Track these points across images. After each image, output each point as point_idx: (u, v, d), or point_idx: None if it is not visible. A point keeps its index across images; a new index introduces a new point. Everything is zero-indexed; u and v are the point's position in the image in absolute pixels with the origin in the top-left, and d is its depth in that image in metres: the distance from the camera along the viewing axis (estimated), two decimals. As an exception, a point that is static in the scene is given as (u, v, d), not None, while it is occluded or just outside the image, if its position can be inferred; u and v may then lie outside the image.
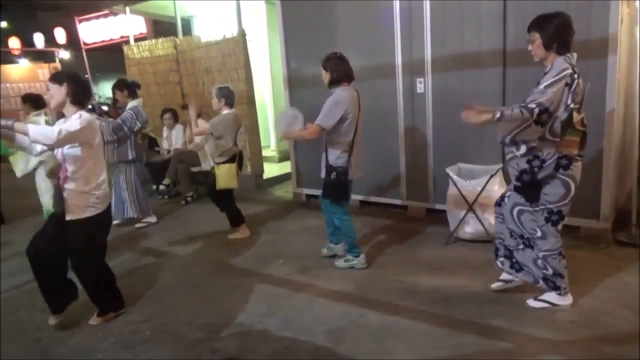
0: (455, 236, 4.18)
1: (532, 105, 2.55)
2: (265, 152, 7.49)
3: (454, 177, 4.04)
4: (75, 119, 2.86)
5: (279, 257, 4.20)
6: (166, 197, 6.80)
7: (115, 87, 5.29)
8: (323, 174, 3.69)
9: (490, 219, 3.93)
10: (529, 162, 2.71)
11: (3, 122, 2.70)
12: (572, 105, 2.61)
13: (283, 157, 8.08)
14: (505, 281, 3.21)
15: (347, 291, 3.45)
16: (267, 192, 6.72)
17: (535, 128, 2.59)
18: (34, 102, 5.56)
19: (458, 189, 4.01)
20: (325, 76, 3.60)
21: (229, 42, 6.53)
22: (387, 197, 5.27)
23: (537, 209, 2.86)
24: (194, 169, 6.47)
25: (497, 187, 3.89)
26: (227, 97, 4.53)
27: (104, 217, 3.08)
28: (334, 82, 3.58)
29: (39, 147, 3.04)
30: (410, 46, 4.71)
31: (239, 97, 6.50)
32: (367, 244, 4.34)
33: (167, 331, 3.07)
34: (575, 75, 2.60)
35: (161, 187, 6.68)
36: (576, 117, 2.65)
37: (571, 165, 2.71)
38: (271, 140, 8.63)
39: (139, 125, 5.08)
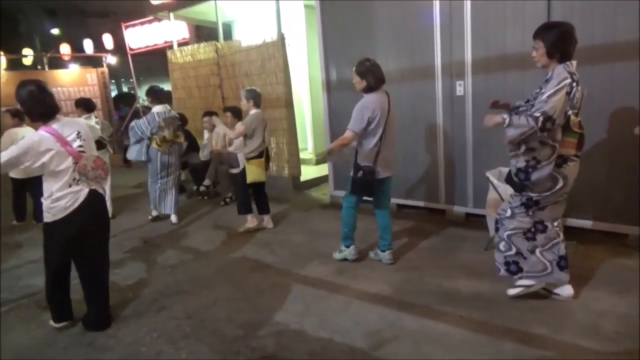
0: (495, 241, 4.09)
1: (537, 114, 2.71)
2: (302, 155, 7.54)
3: (495, 181, 3.96)
4: (19, 144, 2.83)
5: (316, 257, 4.24)
6: (206, 197, 6.97)
7: (145, 93, 5.92)
8: (351, 172, 3.82)
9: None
10: (526, 161, 2.89)
11: None
12: (569, 112, 2.78)
13: (320, 160, 8.12)
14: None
15: (384, 294, 3.44)
16: (304, 194, 6.77)
17: (540, 135, 2.75)
18: (85, 105, 5.90)
19: (499, 193, 3.92)
20: (360, 83, 3.69)
21: (269, 46, 6.63)
22: (425, 200, 5.22)
23: (518, 193, 3.05)
24: (233, 171, 6.59)
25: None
26: (255, 98, 4.87)
27: (56, 227, 3.01)
28: (369, 90, 3.67)
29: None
30: (450, 48, 4.65)
31: (277, 100, 6.62)
32: (405, 247, 4.32)
33: (207, 327, 3.15)
34: (574, 84, 2.74)
35: (201, 188, 6.87)
36: (574, 120, 2.82)
37: (564, 164, 2.88)
38: (308, 142, 8.69)
39: (150, 130, 5.38)
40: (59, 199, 2.94)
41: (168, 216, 5.78)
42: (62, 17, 24.00)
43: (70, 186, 2.95)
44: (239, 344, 2.92)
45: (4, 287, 4.06)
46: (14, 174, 5.63)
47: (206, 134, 7.12)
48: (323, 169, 7.08)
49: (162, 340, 3.04)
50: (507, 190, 3.88)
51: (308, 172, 7.44)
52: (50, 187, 2.95)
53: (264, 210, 5.22)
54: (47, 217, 3.01)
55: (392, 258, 3.97)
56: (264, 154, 4.94)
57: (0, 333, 3.27)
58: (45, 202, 2.98)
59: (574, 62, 2.82)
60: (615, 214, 3.96)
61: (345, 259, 4.07)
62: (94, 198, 3.07)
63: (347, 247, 4.06)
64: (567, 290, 3.12)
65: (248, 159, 4.88)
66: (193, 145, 7.35)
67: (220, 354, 2.84)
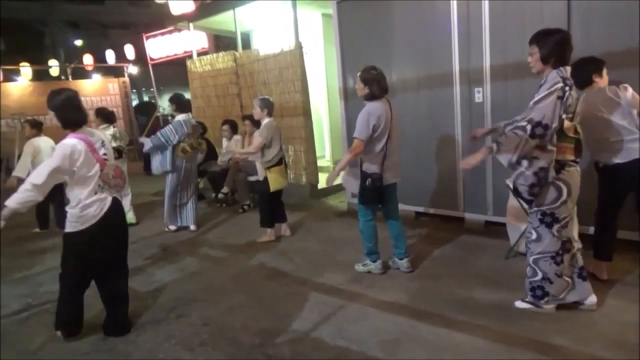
0: (515, 250, 4.03)
1: (523, 123, 2.72)
2: (320, 162, 7.56)
3: (514, 188, 3.91)
4: (55, 154, 2.90)
5: (333, 265, 4.23)
6: (224, 205, 7.03)
7: (168, 100, 5.81)
8: (359, 180, 3.80)
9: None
10: (535, 174, 2.81)
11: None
12: (563, 116, 2.75)
13: (330, 179, 8.11)
14: None
15: (400, 302, 3.42)
16: (322, 202, 6.78)
17: (533, 142, 2.72)
18: (105, 117, 6.02)
19: (519, 201, 3.86)
20: (362, 90, 3.70)
21: (286, 54, 6.69)
22: (443, 208, 5.18)
23: (531, 210, 2.99)
24: (251, 179, 6.64)
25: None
26: (269, 107, 4.91)
27: (83, 236, 3.01)
28: (372, 98, 3.68)
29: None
30: (468, 54, 4.62)
31: (295, 108, 6.66)
32: (422, 255, 4.28)
33: (224, 335, 3.17)
34: (567, 88, 2.71)
35: (220, 195, 6.94)
36: (569, 125, 2.82)
37: (563, 170, 2.85)
38: (326, 150, 8.71)
39: (177, 138, 5.35)
40: (88, 206, 2.97)
41: (187, 226, 5.83)
42: (85, 29, 24.62)
43: (95, 193, 3.01)
44: (256, 352, 2.92)
45: (27, 293, 4.15)
46: None
47: (225, 142, 7.19)
48: (340, 177, 7.08)
49: (180, 347, 3.07)
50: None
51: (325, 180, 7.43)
52: (77, 195, 2.96)
53: (281, 218, 5.23)
54: (75, 226, 2.99)
55: (410, 266, 3.94)
56: (283, 161, 4.95)
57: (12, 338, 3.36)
58: (73, 211, 2.97)
59: (568, 68, 2.80)
60: (638, 222, 3.86)
61: (369, 272, 4.00)
62: (117, 206, 3.13)
63: (374, 261, 3.99)
64: (590, 299, 3.05)
65: (268, 168, 4.87)
66: (212, 154, 7.43)
67: (236, 362, 2.86)
